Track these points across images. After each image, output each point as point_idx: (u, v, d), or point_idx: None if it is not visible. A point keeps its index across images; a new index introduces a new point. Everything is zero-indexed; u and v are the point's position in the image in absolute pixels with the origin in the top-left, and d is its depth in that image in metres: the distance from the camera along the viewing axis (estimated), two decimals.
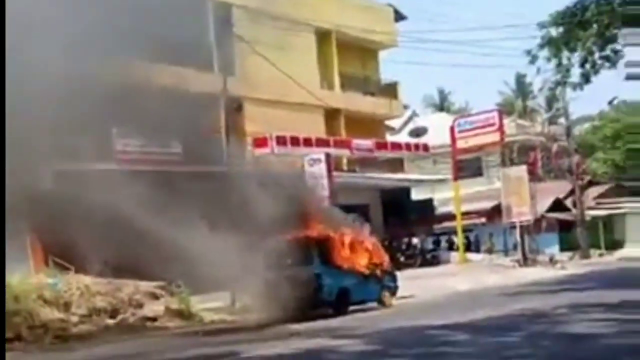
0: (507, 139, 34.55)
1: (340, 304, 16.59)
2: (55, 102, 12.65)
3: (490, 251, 35.87)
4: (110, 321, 15.54)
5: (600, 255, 37.61)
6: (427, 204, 34.70)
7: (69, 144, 14.02)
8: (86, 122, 13.74)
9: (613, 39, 17.38)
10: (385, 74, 35.25)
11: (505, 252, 35.66)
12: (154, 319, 16.08)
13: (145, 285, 16.78)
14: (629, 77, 17.99)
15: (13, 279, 14.37)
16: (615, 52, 17.53)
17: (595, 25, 16.60)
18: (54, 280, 15.62)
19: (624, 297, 14.50)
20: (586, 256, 36.03)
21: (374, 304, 17.70)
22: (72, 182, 13.59)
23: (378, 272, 18.02)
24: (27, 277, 15.45)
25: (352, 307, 16.87)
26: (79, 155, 14.96)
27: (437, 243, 35.56)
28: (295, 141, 26.64)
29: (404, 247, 32.28)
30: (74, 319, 15.11)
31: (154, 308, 16.39)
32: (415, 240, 33.52)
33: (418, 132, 37.18)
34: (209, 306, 17.04)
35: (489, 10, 76.75)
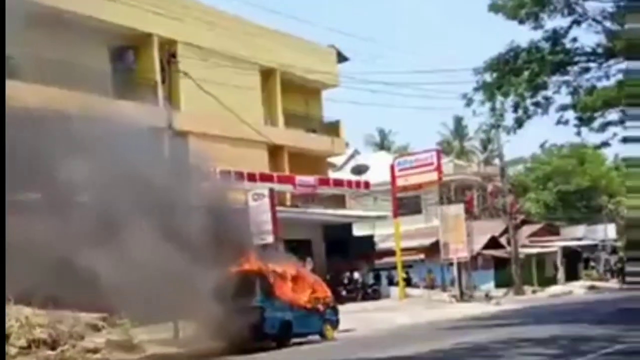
0: (445, 178, 35.50)
1: (283, 337, 16.85)
2: None
3: (431, 287, 36.59)
4: (51, 353, 15.36)
5: (534, 291, 38.78)
6: (368, 239, 35.25)
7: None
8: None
9: (543, 86, 18.39)
10: (328, 113, 36.02)
11: (443, 288, 36.43)
12: (95, 351, 15.97)
13: (86, 317, 16.66)
14: (559, 122, 19.07)
15: None
16: (546, 98, 18.55)
17: (526, 73, 17.53)
18: None
19: (554, 332, 15.22)
20: (520, 292, 37.10)
21: (316, 337, 18.02)
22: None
23: (320, 305, 18.35)
24: None
25: (294, 340, 17.15)
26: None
27: (377, 278, 36.11)
28: (239, 176, 26.94)
29: (345, 281, 32.69)
30: (13, 350, 14.93)
31: (95, 340, 16.25)
32: (356, 275, 33.99)
33: (360, 169, 37.85)
34: (152, 337, 17.03)
35: (427, 55, 78.90)
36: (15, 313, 15.71)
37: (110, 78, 24.61)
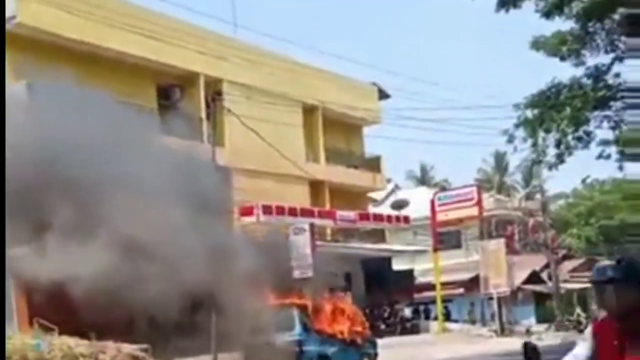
0: (485, 213, 35.48)
1: None
2: None
3: (473, 321, 36.38)
4: None
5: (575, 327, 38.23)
6: (408, 273, 35.28)
7: None
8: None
9: (585, 121, 18.47)
10: (370, 148, 36.39)
11: (483, 323, 36.19)
12: None
13: (128, 348, 17.01)
14: (600, 157, 19.08)
15: None
16: (588, 133, 18.60)
17: (568, 108, 17.63)
18: (37, 341, 15.42)
19: None
20: (561, 328, 36.63)
21: None
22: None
23: (358, 339, 18.41)
24: (11, 337, 15.69)
25: None
26: None
27: (416, 312, 36.05)
28: (280, 210, 27.35)
29: (384, 315, 32.73)
30: None
31: None
32: (395, 309, 34.02)
33: (400, 204, 38.09)
34: None
35: (468, 91, 79.11)
36: (59, 343, 16.12)
37: (157, 115, 25.35)
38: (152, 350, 16.77)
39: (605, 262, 3.73)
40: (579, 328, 33.87)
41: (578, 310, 37.27)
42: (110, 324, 15.30)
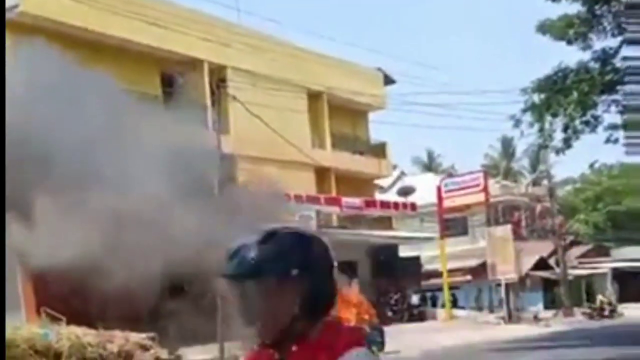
0: (492, 199, 35.37)
1: None
2: None
3: (480, 308, 36.34)
4: None
5: (583, 313, 38.15)
6: (415, 260, 35.21)
7: None
8: None
9: (593, 105, 18.32)
10: (375, 135, 36.27)
11: (491, 309, 36.11)
12: None
13: (135, 337, 17.04)
14: (608, 141, 18.93)
15: (4, 327, 14.67)
16: (595, 117, 18.45)
17: (575, 93, 17.48)
18: (45, 331, 15.54)
19: (607, 354, 15.09)
20: (569, 314, 36.59)
21: None
22: None
23: (365, 326, 18.43)
24: (19, 327, 15.71)
25: None
26: None
27: (423, 299, 36.02)
28: (286, 197, 27.24)
29: (391, 302, 32.69)
30: None
31: (143, 359, 16.68)
32: (402, 296, 33.98)
33: (406, 191, 37.91)
34: (198, 358, 17.36)
35: (474, 76, 78.83)
36: (67, 332, 16.14)
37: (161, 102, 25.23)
38: (158, 338, 16.84)
39: (242, 239, 2.00)
40: (602, 315, 33.81)
41: (600, 297, 37.06)
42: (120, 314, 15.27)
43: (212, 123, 24.91)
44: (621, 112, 18.50)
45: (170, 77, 27.00)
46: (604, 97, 18.35)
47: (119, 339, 16.65)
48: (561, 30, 16.96)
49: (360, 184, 33.65)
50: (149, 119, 15.52)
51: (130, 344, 16.78)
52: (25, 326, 16.21)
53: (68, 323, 16.73)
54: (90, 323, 16.27)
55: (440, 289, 34.23)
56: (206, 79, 26.73)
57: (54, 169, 12.51)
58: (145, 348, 16.96)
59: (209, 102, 26.10)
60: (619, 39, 17.50)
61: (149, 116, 15.69)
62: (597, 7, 17.15)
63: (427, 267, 36.23)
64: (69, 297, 16.49)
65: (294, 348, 2.01)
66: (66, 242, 12.59)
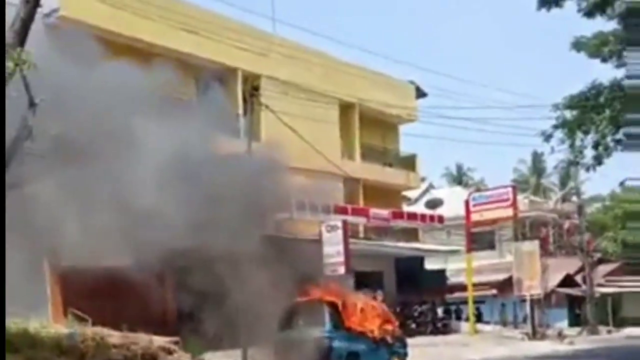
0: (520, 215, 35.24)
1: None
2: None
3: (504, 323, 36.18)
4: None
5: (609, 332, 37.84)
6: (440, 273, 35.20)
7: None
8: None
9: (625, 123, 18.24)
10: (405, 147, 36.30)
11: (515, 325, 35.96)
12: None
13: (159, 340, 17.27)
14: None
15: (31, 326, 14.78)
16: (627, 135, 18.37)
17: (608, 110, 17.44)
18: (71, 331, 15.84)
19: None
20: (594, 332, 36.30)
21: None
22: None
23: (388, 337, 18.39)
24: (45, 326, 15.76)
25: None
26: None
27: (447, 312, 35.97)
28: (314, 207, 27.40)
29: (415, 314, 32.69)
30: None
31: None
32: (426, 308, 33.96)
33: (434, 203, 37.99)
34: None
35: (505, 91, 78.57)
36: (92, 333, 16.40)
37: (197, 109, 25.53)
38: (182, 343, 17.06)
39: None
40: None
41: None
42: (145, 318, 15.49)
43: (243, 130, 25.24)
44: None
45: (205, 84, 27.34)
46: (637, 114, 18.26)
47: (144, 341, 16.83)
48: (596, 47, 16.95)
49: (388, 195, 33.73)
50: (184, 122, 15.78)
51: (154, 347, 16.99)
52: (51, 325, 16.52)
53: (93, 324, 17.04)
54: (115, 324, 16.54)
55: (464, 302, 34.16)
56: (239, 87, 27.06)
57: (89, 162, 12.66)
58: (168, 352, 17.16)
59: (241, 110, 26.43)
60: None
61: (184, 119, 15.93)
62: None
63: (453, 280, 36.18)
64: (95, 297, 16.83)
65: None
66: (102, 241, 12.83)
